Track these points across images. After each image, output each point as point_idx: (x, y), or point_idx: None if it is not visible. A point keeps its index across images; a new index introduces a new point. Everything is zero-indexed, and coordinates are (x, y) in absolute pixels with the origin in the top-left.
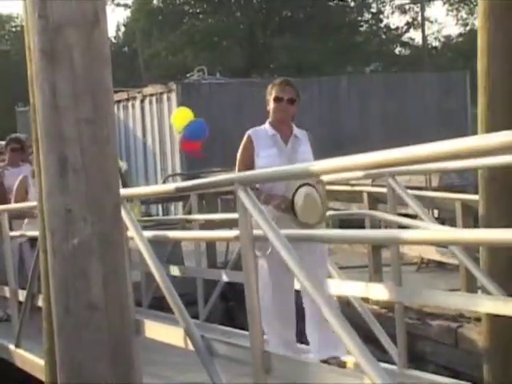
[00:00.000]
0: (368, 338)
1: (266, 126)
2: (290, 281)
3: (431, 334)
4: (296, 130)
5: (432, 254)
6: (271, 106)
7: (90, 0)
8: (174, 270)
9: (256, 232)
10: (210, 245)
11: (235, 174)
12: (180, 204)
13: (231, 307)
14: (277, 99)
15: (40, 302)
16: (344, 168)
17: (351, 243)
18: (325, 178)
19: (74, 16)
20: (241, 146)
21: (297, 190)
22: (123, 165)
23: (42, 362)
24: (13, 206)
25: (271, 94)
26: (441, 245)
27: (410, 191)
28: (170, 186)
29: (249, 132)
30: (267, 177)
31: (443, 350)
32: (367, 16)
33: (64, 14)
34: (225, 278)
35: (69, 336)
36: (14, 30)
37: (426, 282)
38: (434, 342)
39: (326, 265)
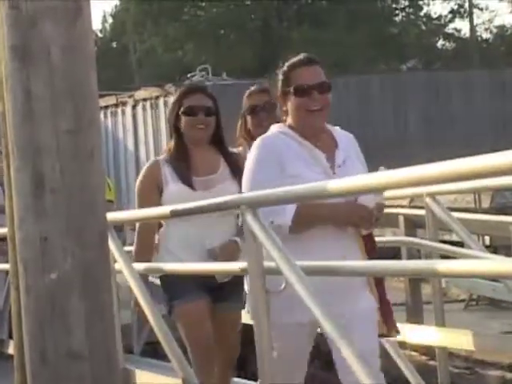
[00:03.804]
0: None
1: None
2: None
3: None
4: None
5: (483, 289)
6: None
7: None
8: None
9: (267, 263)
10: None
11: (242, 195)
12: None
13: (241, 353)
14: None
15: (11, 350)
16: (366, 188)
17: (385, 276)
18: None
19: (51, 6)
20: None
21: None
22: None
23: None
24: None
25: None
26: (493, 278)
27: (454, 213)
28: (166, 210)
29: None
30: (282, 198)
31: None
32: (404, 3)
33: (40, 3)
34: None
35: None
36: None
37: (475, 323)
38: None
39: None
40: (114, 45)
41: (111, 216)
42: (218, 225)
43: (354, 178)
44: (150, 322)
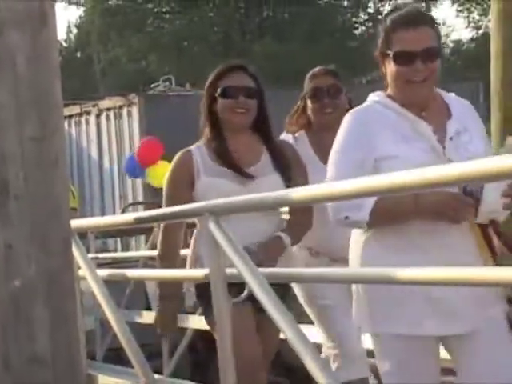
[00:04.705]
0: None
1: None
2: None
3: None
4: None
5: None
6: None
7: None
8: (135, 316)
9: (229, 270)
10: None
11: (205, 203)
12: (142, 238)
13: (202, 360)
14: None
15: None
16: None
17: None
18: None
19: (16, 14)
20: None
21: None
22: None
23: None
24: None
25: None
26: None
27: None
28: (130, 217)
29: None
30: (244, 206)
31: None
32: (363, 17)
33: (4, 11)
34: (194, 325)
35: None
36: None
37: None
38: None
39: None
40: (79, 55)
41: (75, 223)
42: (261, 225)
43: (313, 187)
44: (113, 327)
